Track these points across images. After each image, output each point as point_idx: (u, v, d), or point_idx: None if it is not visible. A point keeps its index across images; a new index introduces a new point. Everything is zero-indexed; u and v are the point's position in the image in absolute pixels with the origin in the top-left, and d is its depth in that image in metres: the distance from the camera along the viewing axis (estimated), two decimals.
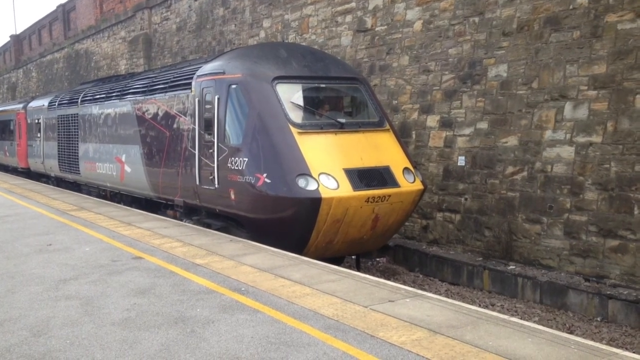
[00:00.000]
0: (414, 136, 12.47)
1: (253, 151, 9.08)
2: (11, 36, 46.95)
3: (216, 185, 9.71)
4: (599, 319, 8.46)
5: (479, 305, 8.93)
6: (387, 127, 9.92)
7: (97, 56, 30.78)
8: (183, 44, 22.78)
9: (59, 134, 18.29)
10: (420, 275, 11.05)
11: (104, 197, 15.33)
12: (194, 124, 10.47)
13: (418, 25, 12.70)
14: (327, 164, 8.78)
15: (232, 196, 9.35)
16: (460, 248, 11.20)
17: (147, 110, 12.48)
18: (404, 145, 10.11)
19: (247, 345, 4.66)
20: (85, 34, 32.18)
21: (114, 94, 14.40)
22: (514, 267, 9.89)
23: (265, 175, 8.75)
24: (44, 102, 20.52)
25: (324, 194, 8.43)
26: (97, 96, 15.49)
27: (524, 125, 10.32)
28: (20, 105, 23.69)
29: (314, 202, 8.40)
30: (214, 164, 9.76)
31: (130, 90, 13.56)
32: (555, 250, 9.62)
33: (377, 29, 13.76)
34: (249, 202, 9.12)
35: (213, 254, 7.84)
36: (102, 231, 9.66)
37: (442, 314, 5.33)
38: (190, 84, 10.79)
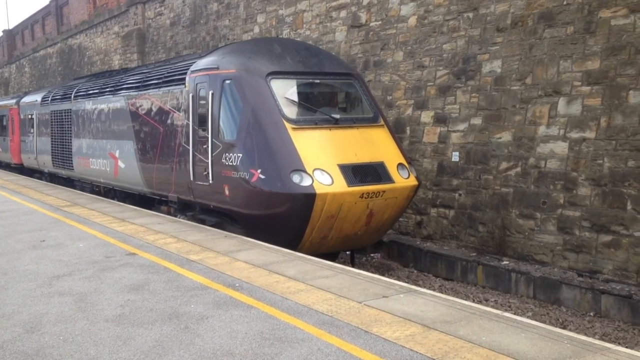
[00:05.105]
0: (408, 132, 12.47)
1: (247, 147, 9.06)
2: (4, 31, 46.66)
3: (210, 181, 9.69)
4: (592, 314, 8.50)
5: (473, 301, 8.96)
6: (382, 122, 9.92)
7: (91, 51, 30.62)
8: (177, 39, 22.69)
9: (52, 130, 18.21)
10: (415, 271, 11.08)
11: (98, 193, 15.28)
12: (188, 120, 10.44)
13: (412, 21, 12.68)
14: (322, 159, 8.77)
15: (227, 192, 9.34)
16: (454, 243, 11.23)
17: (140, 106, 12.43)
18: (398, 141, 10.11)
19: (241, 341, 4.66)
20: (78, 29, 32.01)
21: (108, 90, 14.34)
22: (507, 262, 9.92)
23: (259, 171, 8.74)
24: (37, 97, 20.41)
25: (319, 189, 8.43)
26: (91, 91, 15.41)
27: (517, 120, 10.34)
28: (13, 101, 23.57)
29: (308, 198, 8.39)
30: (208, 159, 9.73)
31: (124, 86, 13.50)
32: (548, 246, 9.66)
33: (371, 24, 13.74)
34: (243, 198, 9.11)
35: (207, 250, 7.83)
36: (96, 227, 9.63)
37: (436, 309, 5.34)
38: (184, 79, 10.75)
